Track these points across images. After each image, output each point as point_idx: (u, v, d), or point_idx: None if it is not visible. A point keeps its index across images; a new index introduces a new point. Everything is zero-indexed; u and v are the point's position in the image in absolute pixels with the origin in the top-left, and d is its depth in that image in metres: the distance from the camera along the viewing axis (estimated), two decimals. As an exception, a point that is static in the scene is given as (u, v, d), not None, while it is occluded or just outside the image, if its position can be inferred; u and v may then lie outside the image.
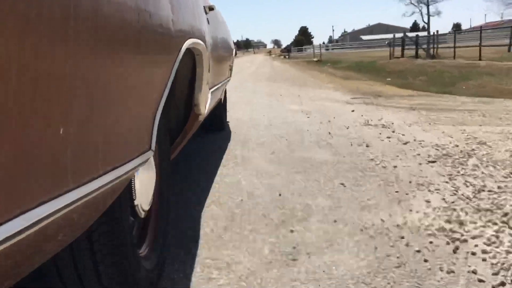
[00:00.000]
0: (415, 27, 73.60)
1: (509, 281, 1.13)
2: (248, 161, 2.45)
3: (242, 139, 3.13)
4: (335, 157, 2.51)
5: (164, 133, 1.19)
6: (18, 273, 0.54)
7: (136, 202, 0.97)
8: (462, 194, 1.80)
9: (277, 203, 1.75)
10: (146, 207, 1.04)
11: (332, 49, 41.45)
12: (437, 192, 1.83)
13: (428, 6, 23.52)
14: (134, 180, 0.94)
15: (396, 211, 1.63)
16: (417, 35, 16.10)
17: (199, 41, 1.33)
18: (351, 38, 60.83)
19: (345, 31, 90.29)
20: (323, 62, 18.47)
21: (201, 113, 1.56)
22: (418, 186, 1.92)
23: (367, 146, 2.78)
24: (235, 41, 4.31)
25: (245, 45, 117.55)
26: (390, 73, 11.52)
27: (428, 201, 1.72)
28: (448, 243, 1.35)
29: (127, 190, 0.88)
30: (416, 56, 14.30)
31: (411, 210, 1.63)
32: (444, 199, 1.75)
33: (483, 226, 1.46)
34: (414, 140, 2.93)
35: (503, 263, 1.22)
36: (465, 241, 1.37)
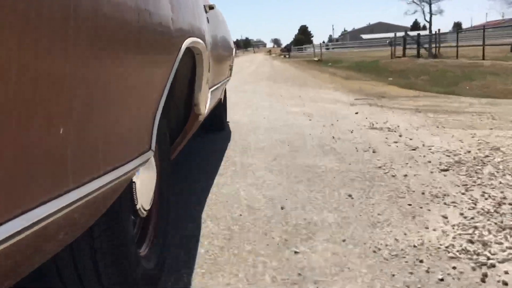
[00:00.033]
0: (415, 26, 73.43)
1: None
2: (248, 169, 2.30)
3: (241, 144, 2.97)
4: (340, 164, 2.36)
5: (164, 133, 1.19)
6: (18, 273, 0.53)
7: (136, 202, 0.96)
8: (482, 208, 1.64)
9: (279, 218, 1.59)
10: (147, 207, 1.04)
11: (332, 48, 41.29)
12: (453, 206, 1.67)
13: (430, 4, 23.34)
14: (134, 180, 0.94)
15: (411, 228, 1.48)
16: (418, 34, 15.95)
17: (199, 40, 1.32)
18: (351, 37, 60.66)
19: (345, 30, 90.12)
20: (324, 62, 18.32)
21: (201, 113, 1.55)
22: (432, 198, 1.76)
23: (373, 152, 2.62)
24: (234, 40, 4.17)
25: (244, 45, 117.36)
26: (392, 72, 11.38)
27: (445, 217, 1.56)
28: (474, 269, 1.20)
29: (127, 190, 0.87)
30: (418, 55, 14.17)
31: (427, 228, 1.48)
32: (462, 214, 1.59)
33: (511, 248, 1.31)
34: (423, 145, 2.77)
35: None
36: (493, 266, 1.21)
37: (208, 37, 1.62)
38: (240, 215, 1.63)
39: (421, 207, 1.66)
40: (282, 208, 1.69)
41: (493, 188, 1.88)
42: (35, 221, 0.47)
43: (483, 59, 11.77)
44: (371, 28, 68.65)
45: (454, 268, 1.21)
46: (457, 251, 1.30)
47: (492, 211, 1.61)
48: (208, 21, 1.74)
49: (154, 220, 1.15)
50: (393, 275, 1.17)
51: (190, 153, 2.71)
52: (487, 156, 2.42)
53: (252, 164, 2.40)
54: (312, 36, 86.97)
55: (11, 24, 0.41)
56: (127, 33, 0.69)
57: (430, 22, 22.61)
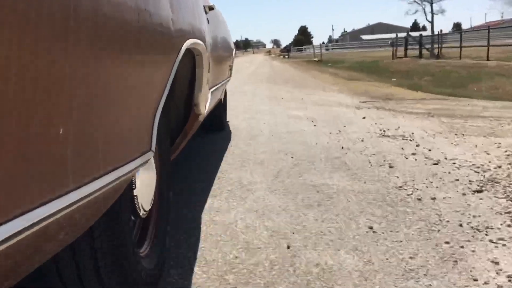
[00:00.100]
0: (415, 26, 73.24)
1: None
2: (246, 189, 1.96)
3: (239, 155, 2.64)
4: (354, 183, 2.02)
5: (164, 133, 1.18)
6: (19, 273, 0.53)
7: (137, 203, 0.96)
8: (538, 247, 1.31)
9: (285, 263, 1.26)
10: (147, 207, 1.03)
11: (332, 49, 41.04)
12: (502, 245, 1.34)
13: (431, 4, 22.93)
14: (135, 180, 0.93)
15: (455, 280, 1.15)
16: (420, 35, 15.70)
17: (199, 41, 1.31)
18: (351, 37, 60.40)
19: (344, 31, 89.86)
20: (324, 62, 18.01)
21: (201, 113, 1.54)
22: (474, 233, 1.43)
23: (390, 166, 2.29)
24: (234, 41, 3.92)
25: (244, 45, 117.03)
26: (395, 73, 11.09)
27: (495, 262, 1.23)
28: None
29: (128, 190, 0.87)
30: (420, 56, 13.88)
31: (476, 280, 1.14)
32: (516, 256, 1.26)
33: None
34: (445, 158, 2.44)
35: None
36: None
37: (208, 38, 1.61)
38: (236, 257, 1.30)
39: (462, 247, 1.33)
40: (288, 247, 1.35)
41: (543, 216, 1.55)
42: (36, 221, 0.47)
43: (488, 59, 11.50)
44: (371, 29, 68.44)
45: None
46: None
47: (551, 251, 1.28)
48: (208, 22, 1.72)
49: (154, 220, 1.14)
50: None
51: (179, 169, 2.38)
52: (523, 172, 2.10)
53: (251, 183, 2.06)
54: (312, 37, 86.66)
55: (11, 24, 0.41)
56: (127, 33, 0.69)
57: (432, 22, 22.24)
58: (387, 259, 1.26)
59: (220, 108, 3.22)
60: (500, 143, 2.79)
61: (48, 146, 0.49)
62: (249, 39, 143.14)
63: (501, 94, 6.65)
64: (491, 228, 1.46)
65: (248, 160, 2.50)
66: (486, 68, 9.79)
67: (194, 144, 2.99)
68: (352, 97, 5.86)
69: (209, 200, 1.82)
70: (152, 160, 1.02)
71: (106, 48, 0.61)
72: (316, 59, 20.33)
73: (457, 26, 78.04)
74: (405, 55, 14.51)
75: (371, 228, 1.49)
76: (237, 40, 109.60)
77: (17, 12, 0.41)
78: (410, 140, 2.96)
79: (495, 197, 1.77)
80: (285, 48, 49.61)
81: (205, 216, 1.64)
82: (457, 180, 2.02)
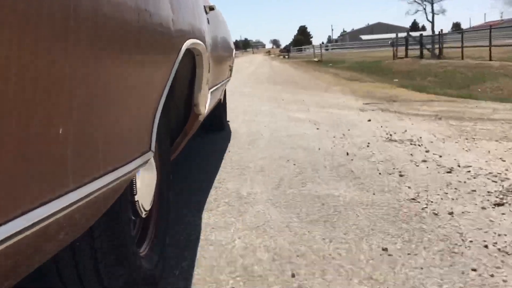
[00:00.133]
0: (414, 26, 73.15)
1: None
2: (245, 202, 1.80)
3: (237, 162, 2.47)
4: (362, 194, 1.86)
5: (164, 133, 1.18)
6: (19, 273, 0.53)
7: (137, 202, 0.96)
8: None
9: (290, 295, 1.09)
10: (147, 207, 1.03)
11: (332, 49, 40.91)
12: (538, 271, 1.17)
13: (432, 4, 22.76)
14: (135, 180, 0.92)
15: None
16: (421, 35, 15.57)
17: (199, 41, 1.31)
18: (351, 37, 60.26)
19: (344, 31, 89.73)
20: (324, 62, 17.87)
21: (201, 113, 1.54)
22: (502, 256, 1.26)
23: (400, 175, 2.13)
24: (233, 41, 3.94)
25: (243, 45, 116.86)
26: (396, 74, 10.95)
27: (534, 294, 1.07)
28: None
29: (128, 190, 0.87)
30: (421, 56, 13.74)
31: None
32: (555, 287, 1.10)
33: None
34: (458, 165, 2.28)
35: None
36: None
37: (208, 38, 1.60)
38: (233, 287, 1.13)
39: (491, 275, 1.16)
40: (293, 275, 1.18)
41: None
42: (36, 222, 0.47)
43: (490, 60, 11.37)
44: (370, 29, 68.33)
45: None
46: None
47: None
48: (208, 22, 1.71)
49: (154, 220, 1.14)
50: None
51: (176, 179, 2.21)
52: (545, 182, 1.93)
53: (251, 194, 1.90)
54: (311, 37, 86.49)
55: (11, 24, 0.41)
56: (127, 33, 0.69)
57: (432, 22, 22.06)
58: (408, 290, 1.10)
59: (220, 108, 3.21)
60: (515, 148, 2.62)
61: (48, 146, 0.49)
62: (249, 39, 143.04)
63: (506, 95, 6.49)
64: (522, 251, 1.29)
65: (247, 168, 2.33)
66: (490, 68, 9.65)
67: (193, 145, 2.83)
68: (355, 98, 5.69)
69: (204, 215, 1.65)
70: (152, 160, 1.02)
71: (106, 48, 0.61)
72: (316, 59, 20.18)
73: (456, 26, 77.99)
74: (406, 55, 14.37)
75: (385, 250, 1.32)
76: (236, 40, 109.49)
77: (17, 12, 0.41)
78: (419, 145, 2.80)
79: (520, 211, 1.61)
80: (284, 48, 49.44)
81: (199, 234, 1.47)
82: (474, 191, 1.86)
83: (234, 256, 1.30)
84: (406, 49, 14.61)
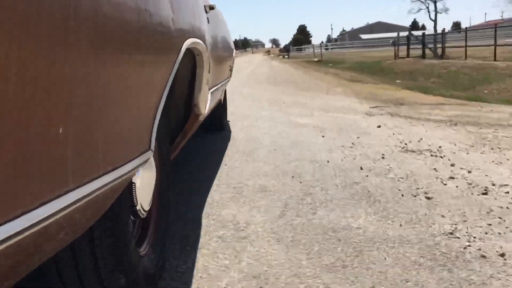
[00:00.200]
0: (414, 25, 72.96)
1: None
2: (242, 236, 1.46)
3: (234, 178, 2.13)
4: (387, 226, 1.52)
5: (164, 133, 1.17)
6: (19, 273, 0.53)
7: (136, 202, 0.95)
8: None
9: None
10: (147, 207, 1.02)
11: (331, 48, 40.61)
12: None
13: (435, 2, 22.36)
14: (134, 180, 0.92)
15: None
16: (423, 34, 15.27)
17: (199, 41, 1.31)
18: (350, 37, 60.01)
19: (343, 30, 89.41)
20: (324, 62, 17.59)
21: (201, 113, 1.54)
22: None
23: (427, 197, 1.80)
24: (233, 40, 3.88)
25: (243, 45, 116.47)
26: (399, 74, 10.67)
27: None
28: None
29: (127, 190, 0.87)
30: (423, 56, 13.45)
31: None
32: None
33: None
34: (493, 184, 1.96)
35: None
36: None
37: (208, 37, 1.60)
38: None
39: None
40: None
41: None
42: (36, 222, 0.47)
43: (495, 60, 11.07)
44: (370, 28, 68.10)
45: None
46: None
47: None
48: (208, 22, 1.70)
49: (154, 220, 1.14)
50: None
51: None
52: None
53: (249, 224, 1.56)
54: (311, 36, 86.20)
55: (11, 24, 0.41)
56: (127, 33, 0.68)
57: (435, 21, 21.68)
58: None
59: (220, 108, 3.16)
60: (551, 161, 2.30)
61: (48, 146, 0.49)
62: (248, 38, 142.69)
63: (515, 97, 6.17)
64: None
65: (245, 187, 2.00)
66: (495, 69, 9.35)
67: (188, 151, 2.49)
68: (360, 101, 5.36)
69: (190, 256, 1.31)
70: (151, 160, 1.02)
71: (106, 48, 0.61)
72: (316, 59, 19.90)
73: (456, 26, 77.85)
74: (407, 55, 14.10)
75: (430, 318, 0.98)
76: (236, 40, 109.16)
77: (17, 12, 0.42)
78: (441, 157, 2.47)
79: None
80: (284, 47, 49.12)
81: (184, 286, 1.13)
82: (523, 220, 1.52)
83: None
84: (408, 49, 14.32)
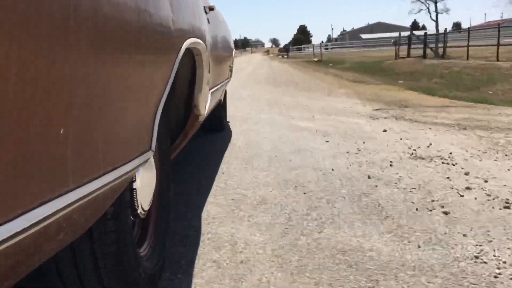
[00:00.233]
0: (414, 26, 72.93)
1: None
2: (241, 260, 1.30)
3: (232, 190, 1.97)
4: (403, 247, 1.36)
5: (164, 133, 1.17)
6: (18, 273, 0.53)
7: (136, 203, 0.95)
8: None
9: None
10: (147, 207, 1.03)
11: (331, 48, 40.47)
12: None
13: (436, 2, 22.24)
14: (134, 180, 0.93)
15: None
16: (425, 34, 15.13)
17: (199, 41, 1.31)
18: (351, 37, 59.92)
19: (344, 30, 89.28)
20: (324, 62, 17.46)
21: (201, 113, 1.53)
22: None
23: (444, 212, 1.64)
24: (233, 40, 3.80)
25: (242, 44, 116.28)
26: (400, 75, 10.53)
27: None
28: None
29: (127, 190, 0.87)
30: (424, 56, 13.30)
31: None
32: None
33: None
34: (515, 195, 1.78)
35: None
36: None
37: (208, 37, 1.61)
38: None
39: None
40: None
41: None
42: (35, 222, 0.47)
43: (498, 60, 10.92)
44: (370, 28, 68.04)
45: None
46: None
47: None
48: (208, 22, 1.72)
49: (154, 220, 1.14)
50: None
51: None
52: None
53: (249, 244, 1.40)
54: (311, 36, 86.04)
55: (11, 24, 0.41)
56: (127, 33, 0.68)
57: (436, 21, 21.52)
58: None
59: (220, 108, 3.15)
60: None
61: (48, 146, 0.49)
62: (248, 38, 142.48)
63: (523, 98, 6.02)
64: None
65: (244, 199, 1.84)
66: (500, 69, 9.20)
67: (181, 159, 2.34)
68: (362, 103, 5.20)
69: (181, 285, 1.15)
70: (151, 160, 1.02)
71: (106, 48, 0.61)
72: (316, 59, 19.75)
73: (456, 26, 77.79)
74: (408, 55, 13.95)
75: None
76: (235, 39, 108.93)
77: (17, 12, 0.41)
78: (453, 164, 2.31)
79: None
80: (284, 47, 48.95)
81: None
82: (555, 240, 1.36)
83: None
84: (409, 49, 14.18)
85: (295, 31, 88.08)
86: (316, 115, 4.26)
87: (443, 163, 2.35)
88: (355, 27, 74.42)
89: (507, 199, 1.75)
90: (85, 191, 0.56)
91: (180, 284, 1.16)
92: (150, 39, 0.80)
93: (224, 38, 2.57)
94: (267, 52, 58.73)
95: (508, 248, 1.33)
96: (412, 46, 14.25)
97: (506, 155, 2.53)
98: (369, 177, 2.10)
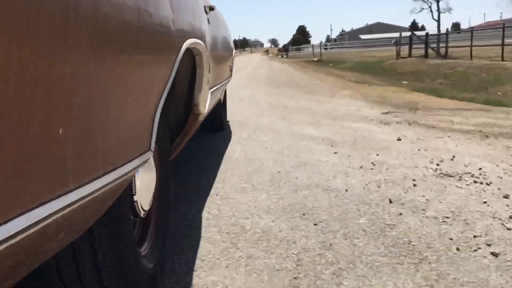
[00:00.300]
0: (413, 26, 72.72)
1: None
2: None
3: (227, 220, 1.62)
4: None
5: (163, 133, 1.18)
6: (18, 273, 0.53)
7: (136, 202, 0.96)
8: None
9: None
10: (147, 207, 1.03)
11: (331, 48, 40.21)
12: None
13: (438, 2, 21.75)
14: (134, 180, 0.93)
15: None
16: (427, 33, 14.87)
17: (199, 41, 1.32)
18: (350, 37, 59.68)
19: (343, 31, 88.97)
20: (324, 62, 17.18)
21: (201, 113, 1.54)
22: None
23: (493, 254, 1.32)
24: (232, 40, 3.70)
25: (242, 44, 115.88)
26: (403, 75, 10.24)
27: None
28: None
29: (127, 190, 0.87)
30: (426, 56, 13.00)
31: None
32: None
33: None
34: None
35: None
36: None
37: (208, 38, 1.61)
38: None
39: None
40: None
41: None
42: (35, 221, 0.47)
43: (503, 60, 10.63)
44: (369, 29, 67.85)
45: None
46: None
47: None
48: (208, 22, 1.72)
49: (154, 220, 1.14)
50: None
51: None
52: None
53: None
54: (310, 36, 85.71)
55: (11, 24, 0.41)
56: (127, 33, 0.68)
57: (438, 21, 21.05)
58: None
59: (220, 108, 3.14)
60: None
61: (48, 146, 0.49)
62: (247, 38, 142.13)
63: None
64: None
65: (241, 233, 1.50)
66: (506, 69, 8.92)
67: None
68: (369, 105, 4.87)
69: None
70: (151, 160, 1.02)
71: (106, 48, 0.61)
72: (315, 59, 19.46)
73: (456, 26, 77.66)
74: (409, 55, 13.66)
75: None
76: (235, 39, 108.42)
77: (17, 12, 0.41)
78: (487, 184, 1.98)
79: None
80: (283, 47, 48.61)
81: None
82: None
83: None
84: (410, 49, 13.90)
85: (294, 32, 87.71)
86: (320, 120, 3.92)
87: (475, 182, 2.02)
88: (354, 28, 74.19)
89: None
90: (85, 192, 0.56)
91: None
92: (150, 39, 0.80)
93: (224, 38, 2.54)
94: (267, 52, 58.39)
95: None
96: (413, 46, 13.96)
97: (543, 171, 2.19)
98: (390, 201, 1.77)
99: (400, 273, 1.21)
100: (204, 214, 1.67)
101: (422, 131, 3.35)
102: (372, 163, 2.39)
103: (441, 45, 14.16)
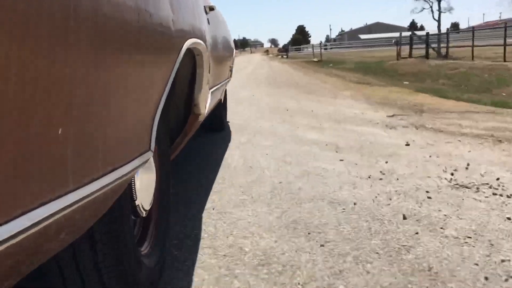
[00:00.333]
0: (412, 26, 72.62)
1: None
2: None
3: (224, 241, 1.45)
4: None
5: (163, 133, 1.18)
6: (19, 273, 0.53)
7: (137, 202, 0.96)
8: None
9: None
10: (147, 207, 1.04)
11: (330, 48, 40.07)
12: None
13: (439, 1, 21.63)
14: (134, 180, 0.93)
15: None
16: (427, 33, 14.69)
17: (199, 41, 1.32)
18: (349, 37, 59.54)
19: (342, 30, 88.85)
20: (325, 63, 17.03)
21: (201, 113, 1.54)
22: None
23: (528, 285, 1.13)
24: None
25: (241, 44, 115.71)
26: (405, 75, 10.09)
27: None
28: None
29: (127, 190, 0.87)
30: (427, 56, 12.85)
31: None
32: None
33: None
34: None
35: None
36: None
37: (208, 38, 1.61)
38: None
39: None
40: None
41: None
42: (36, 222, 0.47)
43: (505, 60, 10.48)
44: (368, 28, 67.74)
45: None
46: None
47: None
48: (208, 22, 1.71)
49: (154, 220, 1.15)
50: None
51: None
52: None
53: None
54: (310, 36, 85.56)
55: (11, 24, 0.41)
56: (127, 33, 0.68)
57: (439, 21, 20.95)
58: None
59: (220, 108, 3.14)
60: None
61: (48, 146, 0.49)
62: (247, 38, 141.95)
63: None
64: None
65: (239, 256, 1.33)
66: (509, 70, 8.78)
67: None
68: (374, 108, 4.71)
69: None
70: (151, 160, 1.03)
71: (106, 48, 0.61)
72: (315, 59, 19.32)
73: (454, 26, 77.56)
74: (410, 55, 13.51)
75: None
76: (235, 39, 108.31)
77: (17, 12, 0.41)
78: (508, 196, 1.82)
79: None
80: (283, 47, 48.41)
81: None
82: None
83: None
84: (411, 49, 13.75)
85: (293, 31, 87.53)
86: (323, 123, 3.76)
87: (494, 194, 1.85)
88: (354, 28, 74.05)
89: None
90: (85, 192, 0.56)
91: None
92: (151, 39, 0.80)
93: (224, 38, 2.53)
94: (267, 52, 58.23)
95: None
96: (414, 46, 13.80)
97: None
98: (404, 218, 1.60)
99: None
100: (199, 238, 1.50)
101: (430, 135, 3.19)
102: (381, 172, 2.22)
103: (441, 45, 14.00)
